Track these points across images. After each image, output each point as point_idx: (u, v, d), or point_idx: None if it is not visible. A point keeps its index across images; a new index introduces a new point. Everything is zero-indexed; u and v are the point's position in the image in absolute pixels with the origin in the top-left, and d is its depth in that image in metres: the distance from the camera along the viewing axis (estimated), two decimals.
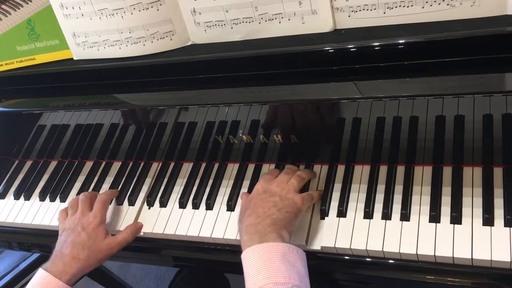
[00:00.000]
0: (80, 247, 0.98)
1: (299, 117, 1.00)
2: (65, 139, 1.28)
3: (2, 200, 1.30)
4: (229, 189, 1.10)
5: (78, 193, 1.22)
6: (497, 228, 0.86)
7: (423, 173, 0.98)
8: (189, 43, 0.97)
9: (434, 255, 0.86)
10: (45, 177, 1.31)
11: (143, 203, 1.15)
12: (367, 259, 0.93)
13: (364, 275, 0.97)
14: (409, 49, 0.82)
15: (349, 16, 0.84)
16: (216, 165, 1.16)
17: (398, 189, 0.97)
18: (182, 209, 1.10)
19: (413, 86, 0.85)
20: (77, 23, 0.97)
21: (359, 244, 0.92)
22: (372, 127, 0.96)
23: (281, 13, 0.87)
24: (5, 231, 1.27)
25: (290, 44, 0.89)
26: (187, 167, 1.19)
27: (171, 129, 1.14)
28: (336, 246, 0.93)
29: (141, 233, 1.09)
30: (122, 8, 0.93)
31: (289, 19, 0.88)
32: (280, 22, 0.88)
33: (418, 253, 0.87)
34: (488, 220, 0.87)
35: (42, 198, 1.26)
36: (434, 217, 0.90)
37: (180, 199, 1.11)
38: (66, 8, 0.96)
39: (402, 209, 0.93)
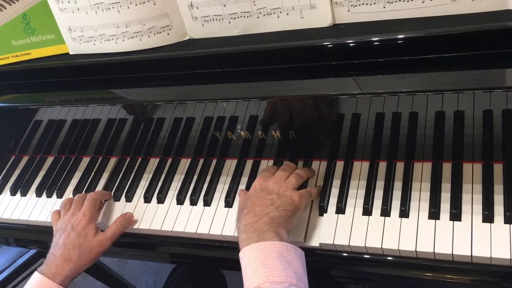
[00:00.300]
0: (71, 247, 0.98)
1: (297, 113, 0.99)
2: (62, 134, 1.27)
3: None
4: (227, 185, 1.09)
5: (75, 189, 1.22)
6: (497, 225, 0.86)
7: (422, 170, 0.97)
8: (187, 38, 0.96)
9: (434, 252, 0.86)
10: (42, 173, 1.30)
11: (140, 199, 1.14)
12: (366, 256, 0.92)
13: (363, 272, 0.97)
14: (409, 44, 0.81)
15: (348, 10, 0.83)
16: (214, 161, 1.15)
17: (398, 186, 0.97)
18: (179, 206, 1.10)
19: (413, 81, 0.85)
20: (73, 17, 0.96)
21: (358, 241, 0.91)
22: (371, 123, 0.96)
23: (279, 8, 0.86)
24: (2, 227, 1.26)
25: (288, 39, 0.88)
26: (185, 163, 1.18)
27: (169, 124, 1.13)
28: (334, 243, 0.92)
29: (137, 228, 1.08)
30: (119, 2, 0.91)
31: (287, 14, 0.87)
32: (278, 17, 0.87)
33: (417, 250, 0.87)
34: (488, 217, 0.86)
35: (38, 194, 1.25)
36: (434, 214, 0.90)
37: (177, 195, 1.10)
38: (62, 2, 0.95)
39: (401, 205, 0.93)
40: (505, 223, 0.85)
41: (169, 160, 1.20)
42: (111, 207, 1.15)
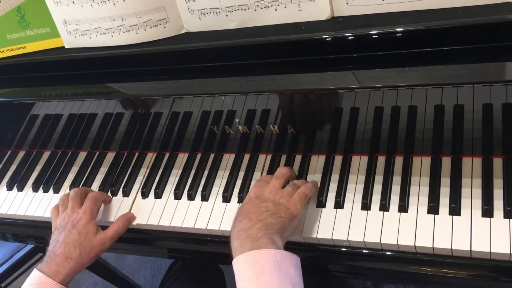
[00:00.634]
0: (72, 246, 0.96)
1: (295, 107, 0.99)
2: (58, 129, 1.26)
3: None
4: (224, 180, 1.08)
5: (72, 184, 1.21)
6: (497, 220, 0.85)
7: (421, 164, 0.97)
8: (183, 31, 0.95)
9: (433, 247, 0.85)
10: (38, 168, 1.30)
11: (137, 194, 1.14)
12: (365, 251, 0.92)
13: (361, 267, 0.97)
14: (408, 37, 0.81)
15: (347, 3, 0.82)
16: (212, 156, 1.15)
17: (397, 180, 0.96)
18: (177, 201, 1.09)
19: (412, 75, 0.84)
20: (68, 10, 0.95)
21: (356, 236, 0.91)
22: (370, 117, 0.95)
23: (277, 0, 0.85)
24: None
25: (286, 32, 0.87)
26: (182, 158, 1.17)
27: (166, 119, 1.12)
28: (333, 238, 0.92)
29: (135, 223, 1.08)
30: None
31: (285, 7, 0.86)
32: (276, 10, 0.86)
33: (416, 245, 0.86)
34: (488, 212, 0.86)
35: (35, 189, 1.24)
36: (433, 209, 0.89)
37: (175, 190, 1.10)
38: None
39: (400, 200, 0.92)
40: (504, 217, 0.85)
41: (167, 155, 1.19)
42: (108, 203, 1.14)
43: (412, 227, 0.89)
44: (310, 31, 0.85)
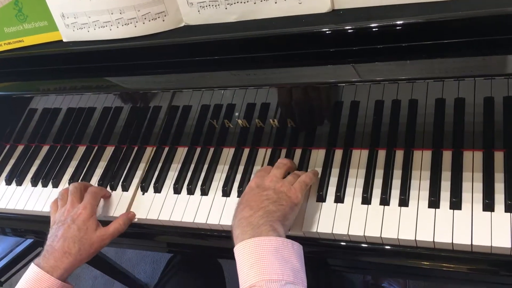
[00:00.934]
0: (71, 241, 0.95)
1: (295, 101, 0.98)
2: (57, 123, 1.25)
3: None
4: (224, 174, 1.08)
5: (71, 179, 1.21)
6: (498, 214, 0.85)
7: (422, 158, 0.96)
8: (182, 25, 0.94)
9: (433, 241, 0.85)
10: (37, 162, 1.29)
11: (137, 188, 1.13)
12: (365, 245, 0.92)
13: (361, 261, 0.96)
14: (409, 30, 0.80)
15: None
16: (211, 150, 1.14)
17: (397, 174, 0.96)
18: (176, 195, 1.08)
19: (413, 68, 0.84)
20: (65, 3, 0.94)
21: (357, 230, 0.90)
22: (370, 111, 0.94)
23: None
24: None
25: (286, 25, 0.86)
26: (181, 152, 1.17)
27: (165, 113, 1.11)
28: (333, 232, 0.92)
29: (135, 219, 1.08)
30: None
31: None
32: (276, 2, 0.86)
33: (417, 239, 0.86)
34: (489, 206, 0.86)
35: (34, 183, 1.24)
36: (434, 203, 0.89)
37: (174, 184, 1.09)
38: None
39: (400, 194, 0.92)
40: (505, 211, 0.85)
41: (166, 149, 1.19)
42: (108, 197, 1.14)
43: (413, 221, 0.88)
44: (310, 24, 0.84)
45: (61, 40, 1.02)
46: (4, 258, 1.59)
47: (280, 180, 0.91)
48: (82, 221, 0.98)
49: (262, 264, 0.76)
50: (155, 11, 0.92)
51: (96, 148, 1.26)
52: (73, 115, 1.21)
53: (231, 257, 0.83)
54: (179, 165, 1.14)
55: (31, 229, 1.26)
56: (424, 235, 0.86)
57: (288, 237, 0.88)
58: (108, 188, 1.15)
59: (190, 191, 1.08)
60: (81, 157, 1.25)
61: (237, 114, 1.05)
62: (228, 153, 1.12)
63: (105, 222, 1.03)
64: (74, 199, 1.03)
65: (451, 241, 0.84)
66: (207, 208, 1.04)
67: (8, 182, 1.27)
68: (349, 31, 0.82)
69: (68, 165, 1.26)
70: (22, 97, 1.20)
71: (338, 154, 1.03)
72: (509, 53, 0.77)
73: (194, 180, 1.09)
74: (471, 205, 0.87)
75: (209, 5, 0.89)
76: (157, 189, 1.11)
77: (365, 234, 0.89)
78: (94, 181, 1.19)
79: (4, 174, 1.30)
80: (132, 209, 1.09)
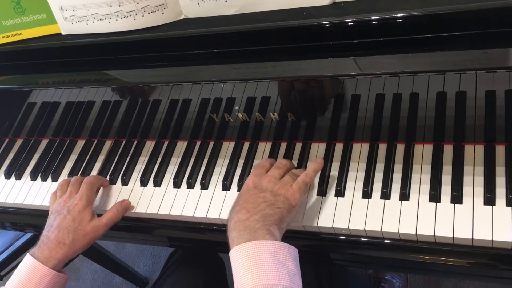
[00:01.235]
0: (65, 231, 0.96)
1: (296, 94, 0.98)
2: (56, 117, 1.25)
3: None
4: (224, 168, 1.08)
5: (70, 172, 1.21)
6: (499, 208, 0.85)
7: (423, 152, 0.96)
8: (182, 17, 0.93)
9: (434, 235, 0.85)
10: (36, 156, 1.29)
11: (136, 182, 1.13)
12: (366, 240, 0.91)
13: (361, 255, 0.96)
14: (410, 23, 0.79)
15: None
16: (211, 144, 1.14)
17: (398, 168, 0.95)
18: (176, 189, 1.08)
19: (414, 62, 0.83)
20: None
21: (357, 224, 0.90)
22: (371, 104, 0.94)
23: None
24: None
25: (286, 18, 0.85)
26: (181, 146, 1.16)
27: (165, 106, 1.11)
28: (334, 226, 0.91)
29: (134, 212, 1.07)
30: None
31: None
32: None
33: (417, 233, 0.86)
34: (490, 200, 0.85)
35: (33, 177, 1.23)
36: (434, 197, 0.89)
37: (174, 178, 1.09)
38: None
39: (401, 188, 0.91)
40: (507, 205, 0.85)
41: (166, 143, 1.18)
42: (107, 191, 1.13)
43: (414, 215, 0.88)
44: (311, 16, 0.84)
45: (60, 33, 1.01)
46: (4, 252, 1.59)
47: (278, 182, 0.90)
48: (77, 212, 0.98)
49: (259, 268, 0.76)
50: (154, 3, 0.91)
51: (95, 142, 1.26)
52: (72, 109, 1.21)
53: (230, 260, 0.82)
54: (179, 159, 1.13)
55: (31, 223, 1.25)
56: (425, 229, 0.86)
57: (288, 231, 0.88)
58: (108, 183, 1.14)
59: (190, 185, 1.07)
60: (81, 151, 1.25)
61: (237, 107, 1.04)
62: (228, 147, 1.12)
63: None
64: (72, 189, 1.03)
65: (452, 235, 0.84)
66: (207, 202, 1.03)
67: (7, 176, 1.27)
68: (350, 23, 0.82)
69: (67, 159, 1.25)
70: (21, 90, 1.20)
71: (339, 148, 1.03)
72: (511, 46, 0.77)
73: (194, 174, 1.09)
74: (472, 199, 0.87)
75: None
76: (157, 183, 1.10)
77: (366, 228, 0.89)
78: (94, 174, 1.19)
79: (3, 168, 1.30)
80: (131, 203, 1.09)
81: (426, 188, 0.90)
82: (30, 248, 1.30)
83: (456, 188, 0.88)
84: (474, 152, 0.93)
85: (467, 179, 0.90)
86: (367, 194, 0.93)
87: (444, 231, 0.85)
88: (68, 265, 1.12)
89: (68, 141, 1.29)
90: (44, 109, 1.23)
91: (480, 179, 0.89)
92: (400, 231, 0.87)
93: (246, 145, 1.11)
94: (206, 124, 1.11)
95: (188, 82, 1.02)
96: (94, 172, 1.20)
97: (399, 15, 0.78)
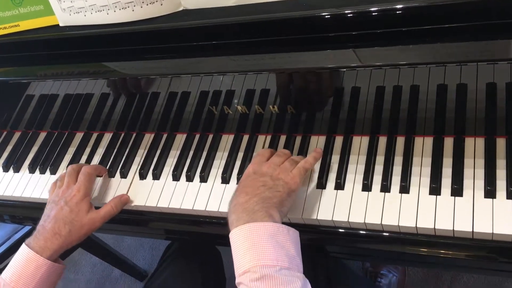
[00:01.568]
0: (61, 222, 0.96)
1: (295, 86, 0.97)
2: (54, 109, 1.24)
3: None
4: (223, 161, 1.07)
5: (69, 165, 1.20)
6: (499, 201, 0.84)
7: (423, 144, 0.95)
8: (181, 9, 0.93)
9: (434, 228, 0.85)
10: (35, 149, 1.28)
11: (135, 175, 1.13)
12: (365, 232, 0.91)
13: (362, 248, 0.96)
14: (410, 14, 0.79)
15: None
16: (210, 137, 1.13)
17: (398, 161, 0.95)
18: (175, 182, 1.08)
19: (415, 53, 0.83)
20: None
21: (357, 217, 0.90)
22: (371, 97, 0.93)
23: None
24: None
25: (286, 9, 0.85)
26: (180, 139, 1.16)
27: (164, 99, 1.10)
28: (333, 219, 0.91)
29: (133, 205, 1.07)
30: None
31: None
32: None
33: (417, 226, 0.85)
34: (490, 192, 0.85)
35: (31, 170, 1.23)
36: (435, 189, 0.88)
37: (173, 171, 1.08)
38: None
39: (401, 181, 0.91)
40: (507, 198, 0.84)
41: (165, 136, 1.17)
42: (106, 184, 1.13)
43: (414, 208, 0.88)
44: (311, 8, 0.83)
45: (58, 25, 1.00)
46: (3, 245, 1.59)
47: (277, 167, 0.90)
48: (74, 203, 0.98)
49: (257, 249, 0.76)
50: None
51: (94, 134, 1.25)
52: (70, 101, 1.20)
53: (230, 244, 0.82)
54: (178, 152, 1.13)
55: (29, 216, 1.25)
56: (425, 222, 0.85)
57: (287, 224, 0.87)
58: (107, 176, 1.14)
59: (189, 178, 1.07)
60: (79, 144, 1.24)
61: (236, 100, 1.04)
62: (227, 140, 1.11)
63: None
64: (70, 180, 1.03)
65: (452, 228, 0.84)
66: (206, 195, 1.03)
67: (6, 168, 1.26)
68: (350, 15, 0.81)
69: (65, 151, 1.25)
70: (19, 82, 1.19)
71: (339, 140, 1.02)
72: None
73: (193, 167, 1.08)
74: (472, 192, 0.86)
75: None
76: (156, 176, 1.10)
77: (366, 221, 0.89)
78: None
79: (2, 160, 1.29)
80: (130, 196, 1.08)
81: (426, 181, 0.90)
82: (27, 239, 1.29)
83: (457, 181, 0.88)
84: (474, 145, 0.92)
85: (467, 172, 0.89)
86: (367, 187, 0.93)
87: (444, 224, 0.84)
88: (67, 258, 1.12)
89: (66, 133, 1.28)
90: (42, 102, 1.23)
91: (480, 172, 0.88)
92: (400, 224, 0.87)
93: (246, 138, 1.10)
94: (205, 117, 1.11)
95: (187, 74, 1.01)
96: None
97: (399, 6, 0.78)
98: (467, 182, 0.88)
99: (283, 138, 1.07)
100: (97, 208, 1.02)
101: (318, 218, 0.92)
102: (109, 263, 1.94)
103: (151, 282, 1.22)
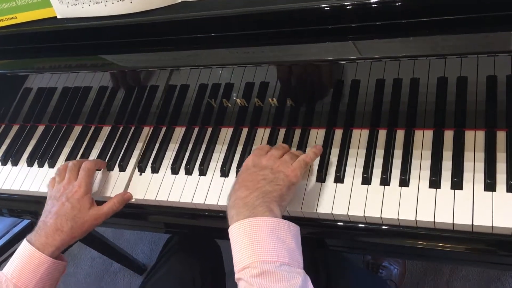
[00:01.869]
0: (63, 218, 0.95)
1: (295, 79, 0.97)
2: (53, 102, 1.24)
3: None
4: (222, 154, 1.07)
5: (67, 159, 1.20)
6: (499, 194, 0.84)
7: (423, 137, 0.95)
8: (179, 1, 0.92)
9: (434, 222, 0.84)
10: (33, 142, 1.28)
11: (134, 169, 1.12)
12: (365, 226, 0.91)
13: (361, 241, 0.96)
14: (410, 6, 0.78)
15: None
16: (209, 130, 1.13)
17: (398, 154, 0.94)
18: (174, 175, 1.07)
19: (415, 45, 0.83)
20: None
21: (356, 210, 0.90)
22: (371, 90, 0.93)
23: None
24: None
25: (285, 2, 0.84)
26: (179, 132, 1.15)
27: (162, 92, 1.10)
28: (333, 212, 0.91)
29: (133, 200, 1.06)
30: None
31: None
32: None
33: (417, 219, 0.85)
34: (490, 186, 0.85)
35: (30, 163, 1.22)
36: (435, 183, 0.88)
37: (172, 164, 1.08)
38: None
39: (401, 174, 0.91)
40: (507, 191, 0.84)
41: (163, 129, 1.17)
42: (104, 177, 1.12)
43: (413, 201, 0.87)
44: None
45: (55, 17, 0.99)
46: (1, 239, 1.59)
47: (277, 160, 0.89)
48: (76, 199, 0.98)
49: (257, 245, 0.75)
50: None
51: (92, 127, 1.25)
52: (68, 94, 1.19)
53: (229, 238, 0.82)
54: (177, 145, 1.12)
55: (28, 209, 1.25)
56: (425, 215, 0.85)
57: (287, 218, 0.87)
58: (106, 169, 1.14)
59: (188, 172, 1.06)
60: (77, 137, 1.24)
61: (235, 93, 1.03)
62: (226, 133, 1.11)
63: (101, 203, 1.02)
64: (71, 176, 1.02)
65: (451, 222, 0.83)
66: (205, 189, 1.02)
67: (4, 162, 1.26)
68: (349, 7, 0.80)
69: (64, 145, 1.24)
70: (17, 75, 1.19)
71: (338, 134, 1.02)
72: None
73: (192, 160, 1.08)
74: (472, 185, 0.86)
75: None
76: (155, 169, 1.09)
77: (365, 215, 0.89)
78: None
79: (0, 154, 1.29)
80: (129, 190, 1.08)
81: (426, 174, 0.90)
82: (28, 234, 1.30)
83: (457, 174, 0.87)
84: (474, 138, 0.92)
85: (467, 165, 0.89)
86: (366, 180, 0.92)
87: (444, 217, 0.84)
88: (66, 251, 1.11)
89: (65, 127, 1.28)
90: (41, 95, 1.22)
91: (480, 165, 0.88)
92: (399, 217, 0.86)
93: (245, 131, 1.10)
94: (204, 110, 1.10)
95: (185, 67, 1.01)
96: (92, 158, 1.19)
97: None
98: (467, 175, 0.87)
99: (282, 131, 1.07)
100: (96, 201, 1.01)
101: (318, 211, 0.92)
102: (108, 257, 1.94)
103: (151, 276, 1.22)
